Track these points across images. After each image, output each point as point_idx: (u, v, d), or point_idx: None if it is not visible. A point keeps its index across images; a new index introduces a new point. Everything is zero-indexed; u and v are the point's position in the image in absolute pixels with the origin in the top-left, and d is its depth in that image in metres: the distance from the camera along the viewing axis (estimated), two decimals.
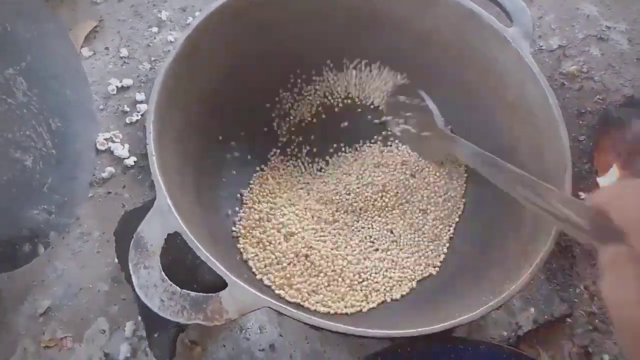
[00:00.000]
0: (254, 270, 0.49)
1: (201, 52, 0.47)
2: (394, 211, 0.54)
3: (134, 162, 0.59)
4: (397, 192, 0.55)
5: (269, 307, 0.36)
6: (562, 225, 0.29)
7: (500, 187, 0.42)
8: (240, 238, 0.50)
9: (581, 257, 0.56)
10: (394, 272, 0.51)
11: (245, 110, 0.55)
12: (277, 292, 0.48)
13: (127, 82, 0.64)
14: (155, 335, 0.46)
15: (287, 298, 0.47)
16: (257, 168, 0.56)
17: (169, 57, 0.44)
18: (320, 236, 0.52)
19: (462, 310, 0.39)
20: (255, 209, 0.52)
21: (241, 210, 0.52)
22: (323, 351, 0.50)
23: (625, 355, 0.20)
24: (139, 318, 0.50)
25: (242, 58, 0.53)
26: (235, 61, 0.52)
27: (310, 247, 0.50)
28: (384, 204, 0.54)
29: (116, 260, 0.52)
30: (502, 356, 0.47)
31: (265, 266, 0.49)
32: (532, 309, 0.51)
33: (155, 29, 0.69)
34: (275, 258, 0.49)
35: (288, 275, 0.48)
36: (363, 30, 0.56)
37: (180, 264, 0.46)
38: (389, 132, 0.59)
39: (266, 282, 0.48)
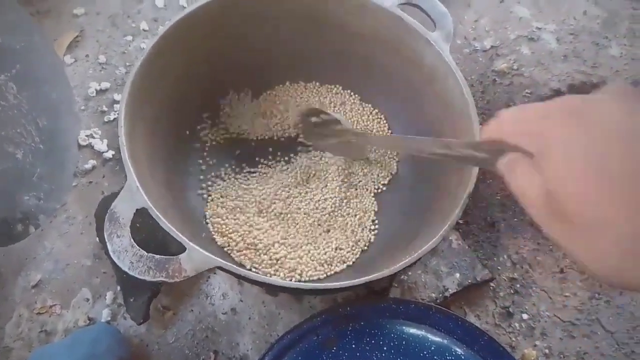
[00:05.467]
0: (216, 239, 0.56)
1: (166, 57, 0.53)
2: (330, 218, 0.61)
3: (112, 155, 0.66)
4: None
5: (220, 267, 0.43)
6: (473, 163, 0.38)
7: (417, 154, 0.49)
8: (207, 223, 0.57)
9: (505, 232, 0.64)
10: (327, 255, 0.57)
11: (208, 110, 0.62)
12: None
13: (105, 85, 0.71)
14: (131, 300, 0.54)
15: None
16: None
17: (137, 61, 0.50)
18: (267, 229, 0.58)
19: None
20: (217, 203, 0.59)
21: (207, 198, 0.60)
22: (278, 313, 0.58)
23: (543, 228, 0.24)
24: (118, 288, 0.57)
25: (201, 64, 0.59)
26: (196, 66, 0.58)
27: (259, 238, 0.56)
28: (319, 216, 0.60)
29: (97, 239, 0.59)
30: (429, 313, 0.54)
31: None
32: (457, 274, 0.58)
33: (130, 38, 0.77)
34: (233, 241, 0.56)
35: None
36: (314, 32, 0.63)
37: (151, 241, 0.53)
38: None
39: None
